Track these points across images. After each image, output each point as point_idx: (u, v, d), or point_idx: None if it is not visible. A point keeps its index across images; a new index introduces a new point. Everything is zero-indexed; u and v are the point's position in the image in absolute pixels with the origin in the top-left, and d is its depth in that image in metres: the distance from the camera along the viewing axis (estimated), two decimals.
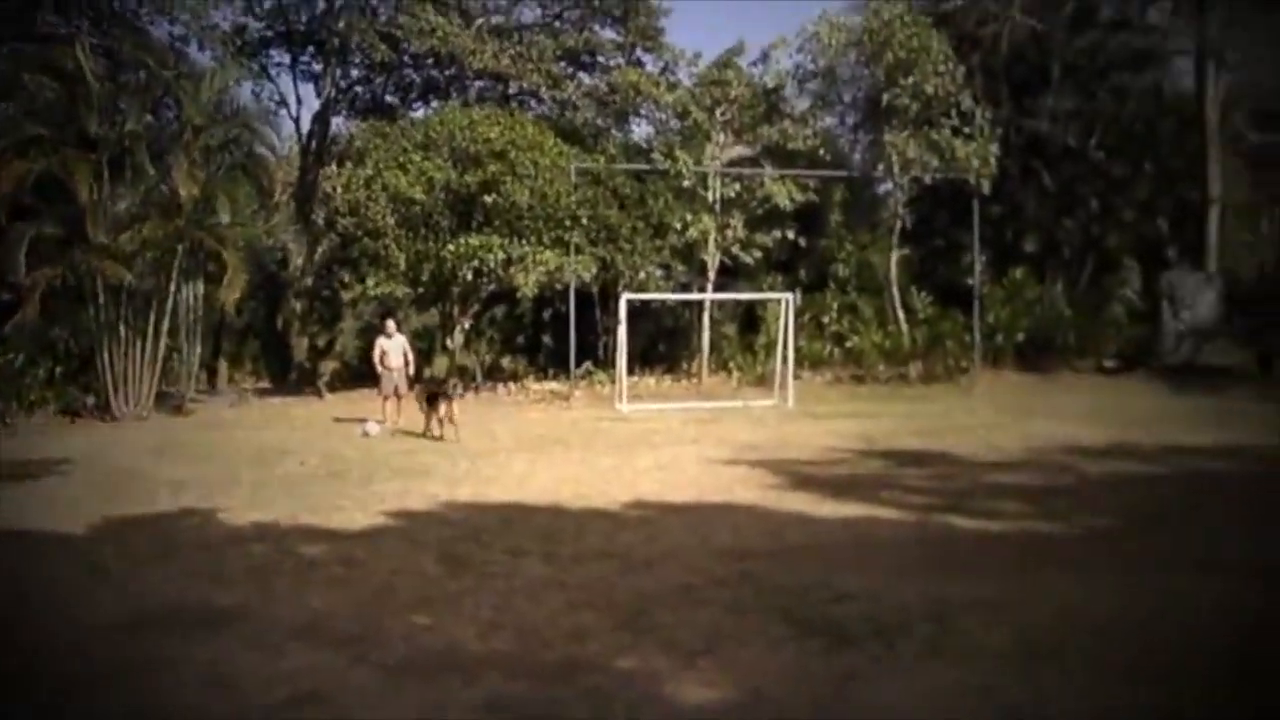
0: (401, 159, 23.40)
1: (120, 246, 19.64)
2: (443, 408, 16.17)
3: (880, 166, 26.02)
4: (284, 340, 30.26)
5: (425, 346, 28.60)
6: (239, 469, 13.15)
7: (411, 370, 18.78)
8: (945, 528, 8.79)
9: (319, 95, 31.29)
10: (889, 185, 26.86)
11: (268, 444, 15.87)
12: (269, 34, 31.15)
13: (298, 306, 29.77)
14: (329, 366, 29.80)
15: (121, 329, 20.74)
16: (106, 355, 20.68)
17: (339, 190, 24.42)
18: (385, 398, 18.19)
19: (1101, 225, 30.94)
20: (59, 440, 17.39)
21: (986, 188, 25.23)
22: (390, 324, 19.18)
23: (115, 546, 8.61)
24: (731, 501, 10.18)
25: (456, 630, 6.06)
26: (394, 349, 18.36)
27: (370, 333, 29.77)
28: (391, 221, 22.83)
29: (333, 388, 26.58)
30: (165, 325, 21.35)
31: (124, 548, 8.55)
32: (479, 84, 30.26)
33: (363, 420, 17.78)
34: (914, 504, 9.84)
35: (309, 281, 29.52)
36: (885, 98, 24.93)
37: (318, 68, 31.46)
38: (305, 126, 31.81)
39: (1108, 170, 30.38)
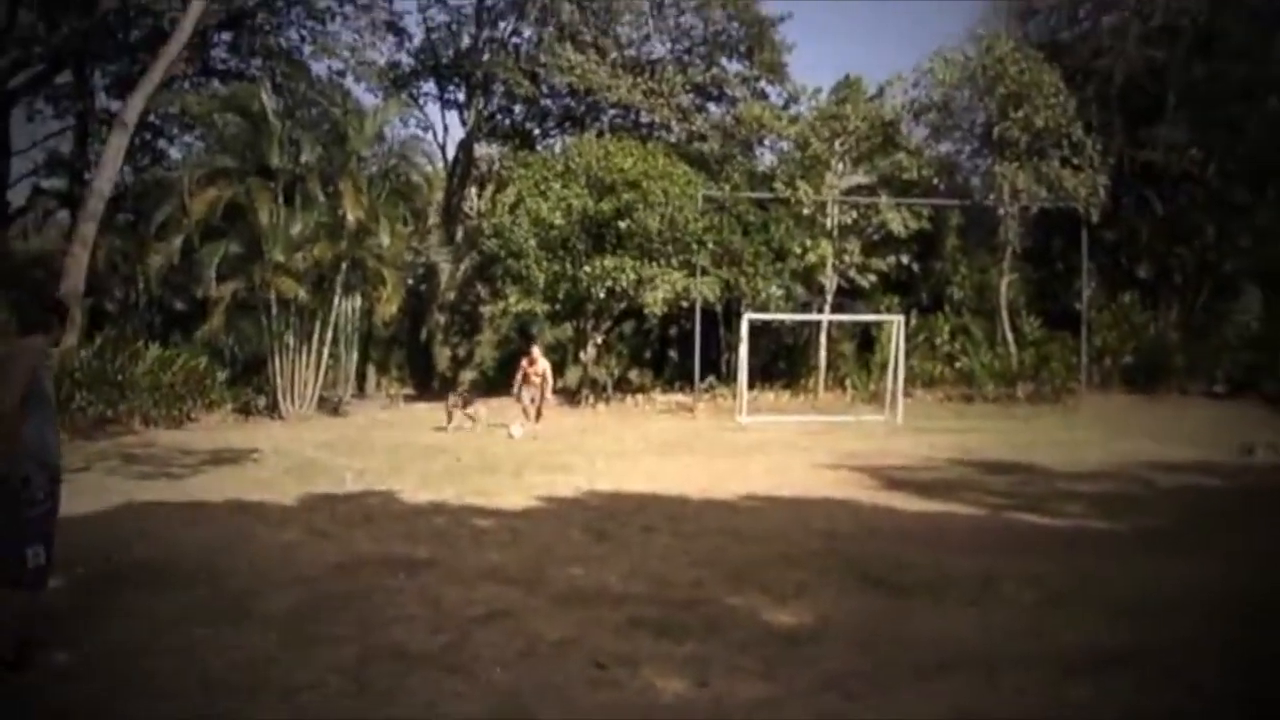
0: (543, 186, 25.50)
1: (294, 264, 22.06)
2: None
3: (992, 195, 27.16)
4: (427, 350, 32.63)
5: (559, 359, 30.63)
6: (404, 461, 15.17)
7: (550, 389, 21.11)
8: (1012, 521, 10.28)
9: (463, 123, 33.76)
10: (1003, 211, 27.95)
11: (424, 442, 17.97)
12: (418, 67, 33.69)
13: (441, 320, 32.11)
14: (468, 375, 32.06)
15: (290, 338, 23.14)
16: (276, 361, 23.11)
17: (485, 213, 26.65)
18: (525, 407, 20.28)
19: (1218, 251, 31.43)
20: (240, 434, 19.75)
21: (1095, 216, 26.25)
22: (535, 350, 21.21)
23: (323, 514, 10.60)
24: (830, 497, 11.81)
25: (603, 577, 7.82)
26: (535, 371, 20.39)
27: (507, 344, 32.08)
28: (533, 243, 24.91)
29: (472, 395, 28.75)
30: (328, 335, 23.73)
31: (330, 515, 10.52)
32: (612, 113, 32.29)
33: (506, 425, 19.77)
34: (990, 503, 11.35)
35: (451, 296, 31.82)
36: (997, 129, 26.18)
37: (462, 98, 33.90)
38: (449, 152, 34.32)
39: (1226, 197, 30.89)
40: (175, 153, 32.76)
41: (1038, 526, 10.03)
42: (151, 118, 29.98)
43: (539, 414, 20.31)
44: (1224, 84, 29.98)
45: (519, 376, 20.57)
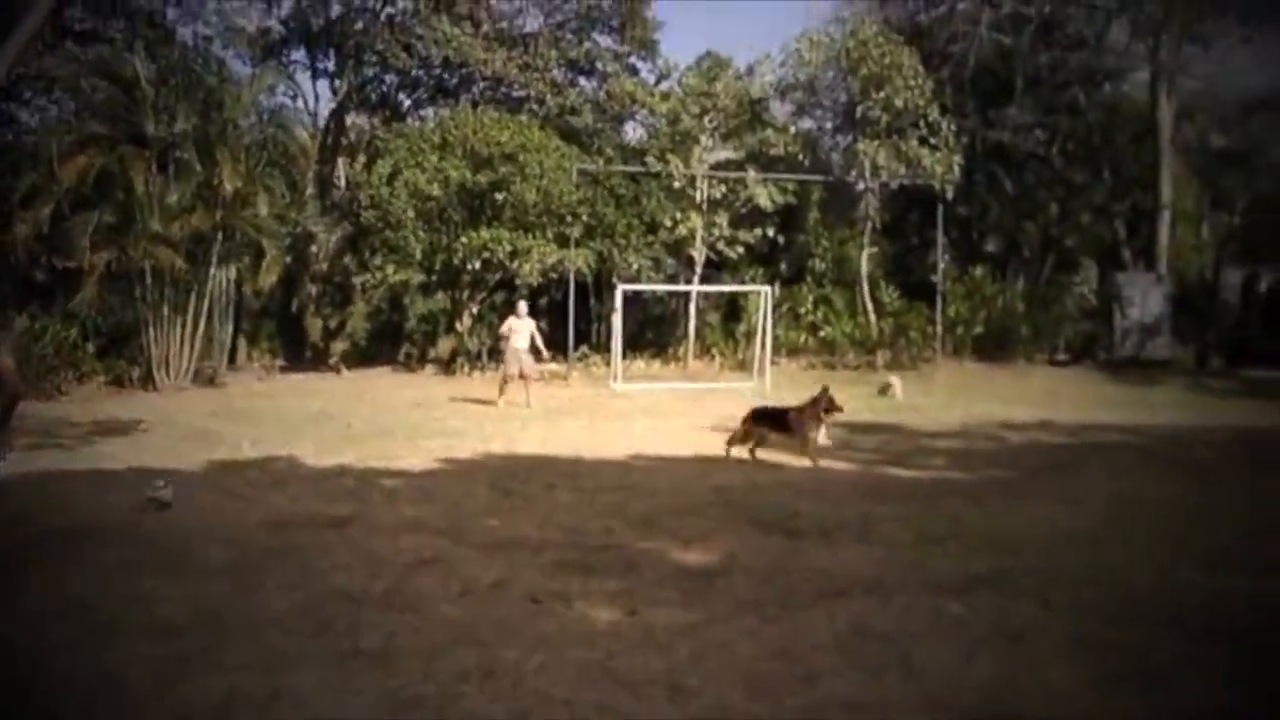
0: (420, 157, 25.71)
1: (171, 234, 21.88)
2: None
3: (854, 172, 28.36)
4: (299, 321, 32.47)
5: (430, 329, 30.94)
6: (296, 428, 15.44)
7: (543, 351, 19.96)
8: (883, 474, 11.25)
9: (334, 93, 33.50)
10: (863, 186, 29.15)
11: (310, 410, 18.16)
12: (288, 35, 33.29)
13: (313, 290, 31.97)
14: (340, 346, 32.02)
15: (165, 309, 22.91)
16: (151, 332, 22.87)
17: (359, 184, 26.75)
18: (507, 379, 19.14)
19: (1060, 228, 33.38)
20: (119, 405, 19.59)
21: (950, 193, 27.71)
22: (522, 305, 20.18)
23: (232, 478, 10.94)
24: (714, 455, 12.60)
25: (519, 528, 8.44)
26: (521, 329, 19.26)
27: (378, 315, 32.17)
28: (411, 215, 25.14)
29: (346, 365, 28.88)
30: (204, 306, 23.58)
31: (240, 479, 10.87)
32: (483, 85, 32.53)
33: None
34: (862, 459, 12.34)
35: (323, 267, 31.71)
36: (859, 109, 27.36)
37: (332, 67, 33.64)
38: (320, 121, 34.06)
39: (1067, 176, 32.79)
40: (26, 117, 31.78)
41: (906, 479, 11.00)
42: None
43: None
44: (1065, 70, 31.82)
45: (503, 330, 19.68)
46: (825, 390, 12.12)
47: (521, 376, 19.02)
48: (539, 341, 19.69)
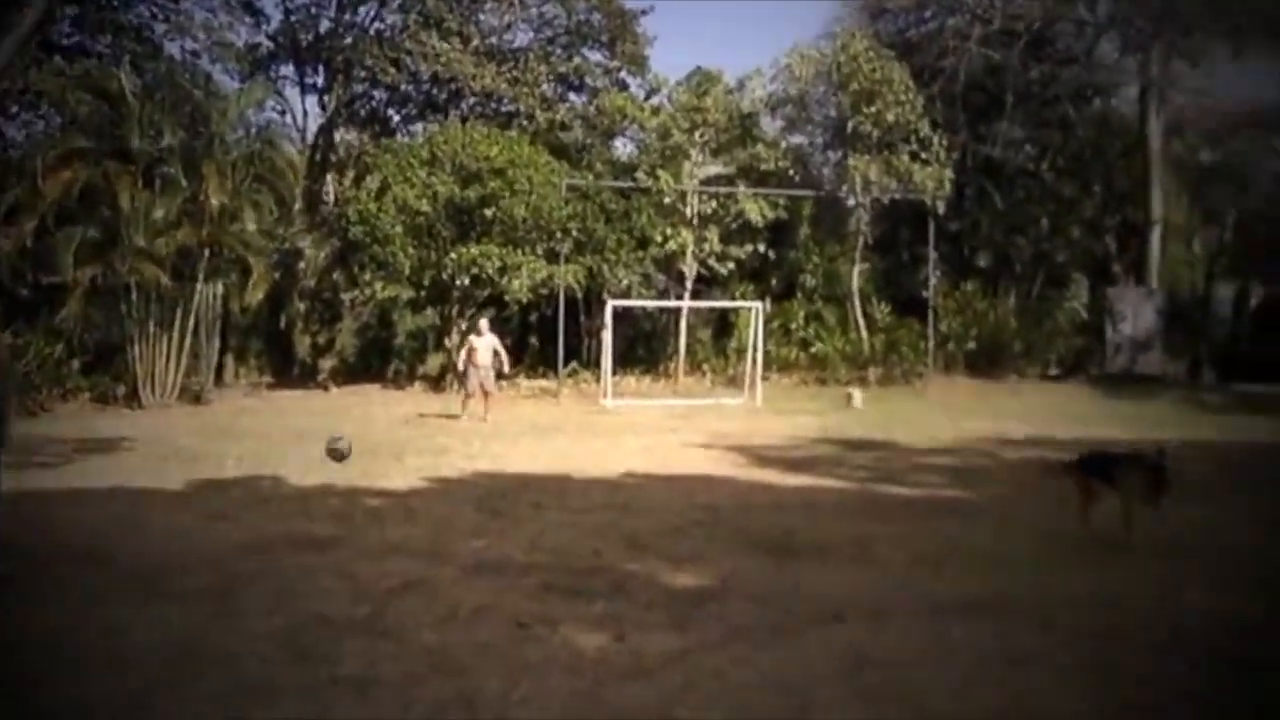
0: (408, 173, 25.57)
1: (156, 250, 21.70)
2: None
3: (845, 187, 28.30)
4: (287, 338, 32.24)
5: (419, 345, 30.80)
6: (282, 447, 15.19)
7: (505, 367, 20.44)
8: (877, 493, 11.08)
9: (323, 108, 33.36)
10: (854, 202, 29.09)
11: (296, 428, 17.90)
12: (276, 50, 33.17)
13: (301, 307, 31.75)
14: (328, 363, 31.82)
15: (150, 325, 22.73)
16: (136, 348, 22.68)
17: (347, 199, 26.59)
18: (469, 394, 19.68)
19: (1051, 243, 33.30)
20: (104, 422, 19.38)
21: (941, 208, 27.65)
22: (483, 323, 20.58)
23: (214, 498, 10.74)
24: (706, 473, 12.46)
25: (505, 549, 8.25)
26: (484, 347, 19.60)
27: (366, 332, 31.98)
28: (399, 230, 24.98)
29: (335, 382, 28.70)
30: (190, 323, 23.39)
31: (222, 499, 10.67)
32: (472, 100, 32.43)
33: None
34: (855, 477, 12.17)
35: (312, 283, 31.51)
36: (850, 124, 27.29)
37: (321, 82, 33.50)
38: (309, 137, 33.88)
39: (1058, 191, 32.73)
40: (12, 132, 31.60)
41: (900, 497, 10.84)
42: None
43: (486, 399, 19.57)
44: (1055, 85, 31.84)
45: (464, 354, 20.15)
46: (1163, 454, 8.58)
47: (483, 392, 19.44)
48: (503, 356, 20.10)
